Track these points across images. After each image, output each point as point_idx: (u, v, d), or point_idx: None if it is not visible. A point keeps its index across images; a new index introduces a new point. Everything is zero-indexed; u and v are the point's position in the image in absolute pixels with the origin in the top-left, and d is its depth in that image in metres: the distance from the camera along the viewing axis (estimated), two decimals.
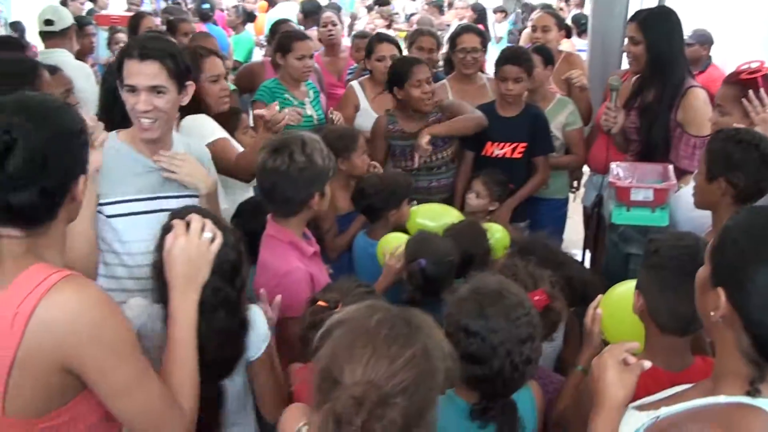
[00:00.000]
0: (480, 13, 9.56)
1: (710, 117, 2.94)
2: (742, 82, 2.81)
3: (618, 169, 3.18)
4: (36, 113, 1.47)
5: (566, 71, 4.56)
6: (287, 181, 2.40)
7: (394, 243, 2.88)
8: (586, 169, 4.48)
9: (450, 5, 13.95)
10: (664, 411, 1.43)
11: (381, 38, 4.54)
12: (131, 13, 6.92)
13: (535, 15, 4.97)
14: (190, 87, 2.47)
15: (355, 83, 4.48)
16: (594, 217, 4.05)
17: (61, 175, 1.50)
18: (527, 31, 5.99)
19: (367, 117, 4.20)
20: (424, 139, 3.66)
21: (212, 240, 1.83)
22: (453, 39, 4.38)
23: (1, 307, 1.41)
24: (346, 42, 5.98)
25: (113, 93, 2.55)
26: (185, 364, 1.70)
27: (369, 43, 4.47)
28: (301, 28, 5.81)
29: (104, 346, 1.46)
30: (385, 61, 4.27)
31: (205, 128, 3.11)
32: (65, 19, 4.81)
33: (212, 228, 1.83)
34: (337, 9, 7.52)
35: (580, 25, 7.93)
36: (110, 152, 2.32)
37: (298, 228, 2.53)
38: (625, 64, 5.02)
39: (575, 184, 4.63)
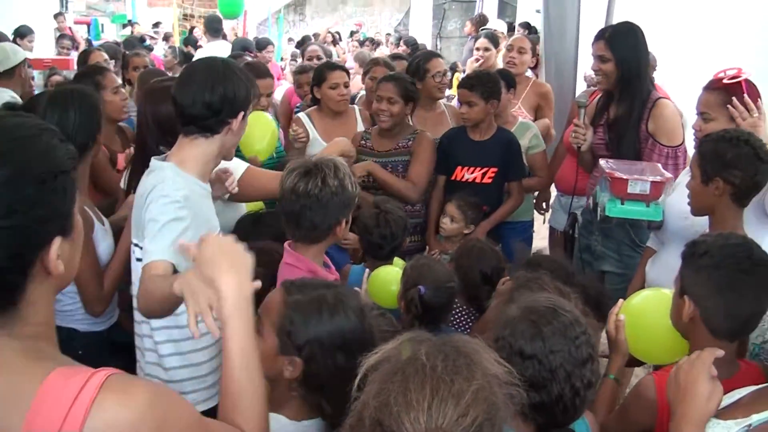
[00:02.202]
0: (413, 47, 9.61)
1: (694, 124, 2.95)
2: (726, 88, 2.83)
3: (610, 164, 3.14)
4: None
5: (534, 100, 4.72)
6: (318, 206, 2.30)
7: (389, 275, 2.79)
8: (553, 190, 4.50)
9: (375, 43, 14.16)
10: (756, 418, 1.35)
11: (332, 66, 4.44)
12: (63, 57, 6.72)
13: (513, 36, 5.15)
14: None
15: (302, 115, 4.38)
16: (567, 238, 4.02)
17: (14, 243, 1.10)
18: (472, 59, 6.05)
19: (318, 147, 4.04)
20: (361, 171, 3.63)
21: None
22: (420, 65, 4.32)
23: None
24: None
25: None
26: (242, 380, 1.38)
27: (319, 72, 4.36)
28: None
29: None
30: (338, 88, 4.20)
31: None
32: (12, 57, 4.50)
33: None
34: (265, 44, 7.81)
35: None
36: (185, 184, 2.19)
37: (318, 256, 2.41)
38: (580, 86, 5.14)
39: (544, 205, 4.62)
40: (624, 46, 3.34)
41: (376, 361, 1.25)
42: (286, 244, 2.42)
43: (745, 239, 1.96)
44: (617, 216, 3.03)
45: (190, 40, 11.01)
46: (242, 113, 2.25)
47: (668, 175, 3.00)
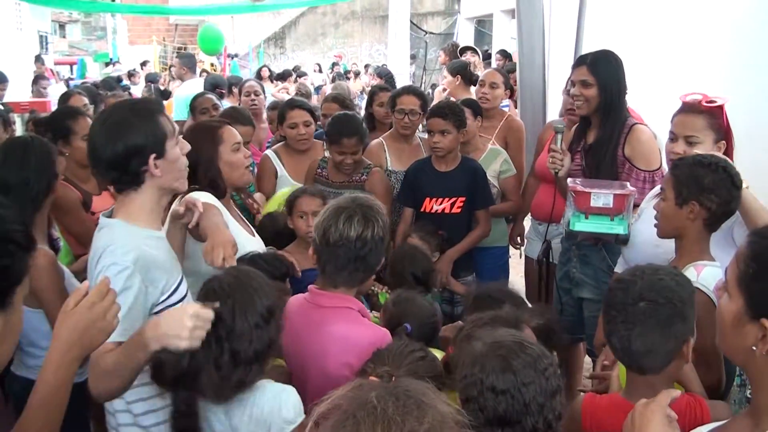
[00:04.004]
0: (387, 78, 9.60)
1: (675, 148, 2.89)
2: (709, 111, 2.82)
3: (575, 180, 3.13)
4: None
5: (505, 133, 4.70)
6: (381, 247, 2.29)
7: None
8: (527, 223, 4.44)
9: (357, 75, 14.26)
10: None
11: (292, 105, 4.41)
12: (41, 100, 6.71)
13: (485, 71, 5.10)
14: None
15: (269, 152, 4.37)
16: (543, 266, 3.96)
17: None
18: (439, 89, 6.06)
19: (286, 183, 4.11)
20: None
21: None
22: (393, 98, 4.34)
23: None
24: None
25: None
26: None
27: (281, 111, 4.38)
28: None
29: None
30: (297, 128, 4.19)
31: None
32: None
33: None
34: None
35: None
36: (135, 243, 2.05)
37: (355, 296, 2.40)
38: (550, 114, 5.12)
39: (519, 239, 4.58)
40: (606, 71, 3.32)
41: (326, 408, 1.22)
42: (313, 287, 2.36)
43: (643, 272, 1.91)
44: (581, 230, 3.01)
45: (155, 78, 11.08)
46: (153, 155, 2.07)
47: (631, 188, 2.98)
